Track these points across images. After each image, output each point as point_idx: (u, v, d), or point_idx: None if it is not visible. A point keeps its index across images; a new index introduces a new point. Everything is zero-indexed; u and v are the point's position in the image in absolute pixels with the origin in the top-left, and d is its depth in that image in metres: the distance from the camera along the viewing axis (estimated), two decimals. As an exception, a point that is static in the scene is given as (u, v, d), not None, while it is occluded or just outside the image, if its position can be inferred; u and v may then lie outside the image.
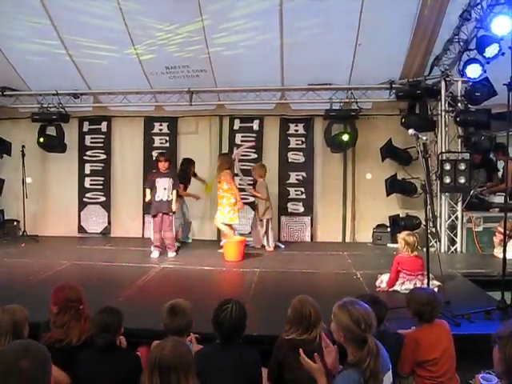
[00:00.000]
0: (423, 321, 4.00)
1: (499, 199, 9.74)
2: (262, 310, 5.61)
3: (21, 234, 10.90)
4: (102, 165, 11.42)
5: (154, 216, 9.00)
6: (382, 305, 3.96)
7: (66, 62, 9.81)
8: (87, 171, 11.47)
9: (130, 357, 3.81)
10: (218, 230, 10.34)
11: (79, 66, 10.06)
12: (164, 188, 8.94)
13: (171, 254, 8.98)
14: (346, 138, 10.01)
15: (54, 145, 10.87)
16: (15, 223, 11.10)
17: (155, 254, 8.94)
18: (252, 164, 10.63)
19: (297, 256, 9.13)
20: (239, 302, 3.79)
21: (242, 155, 10.79)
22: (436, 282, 6.24)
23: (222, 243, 9.19)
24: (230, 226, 9.29)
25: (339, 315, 3.14)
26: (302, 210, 10.93)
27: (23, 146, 10.62)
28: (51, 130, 10.80)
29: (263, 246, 9.73)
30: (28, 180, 10.78)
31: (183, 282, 7.46)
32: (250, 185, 10.18)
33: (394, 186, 10.03)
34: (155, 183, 8.97)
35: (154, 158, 9.41)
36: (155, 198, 8.92)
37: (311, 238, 10.93)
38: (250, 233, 10.30)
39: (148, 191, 9.07)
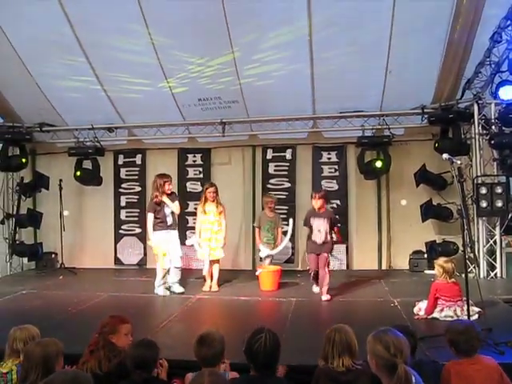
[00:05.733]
0: (460, 353, 3.78)
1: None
2: (299, 339, 5.57)
3: (59, 266, 11.06)
4: (137, 197, 11.56)
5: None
6: (409, 334, 3.73)
7: (100, 97, 10.10)
8: (123, 203, 11.62)
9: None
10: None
11: (113, 101, 10.32)
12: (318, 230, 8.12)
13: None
14: (379, 164, 9.98)
15: (90, 178, 11.09)
16: (53, 256, 11.27)
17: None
18: (285, 193, 10.67)
19: (333, 284, 8.99)
20: (272, 331, 3.72)
21: (275, 184, 10.86)
22: (476, 309, 6.11)
23: (257, 273, 9.14)
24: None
25: (371, 343, 3.15)
26: (336, 238, 10.84)
27: (60, 180, 10.87)
28: (87, 164, 11.03)
29: None
30: (65, 213, 10.98)
31: (219, 312, 7.49)
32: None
33: (429, 211, 9.91)
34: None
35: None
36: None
37: (347, 266, 10.80)
38: (285, 262, 10.27)
39: None
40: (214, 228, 8.68)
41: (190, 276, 9.42)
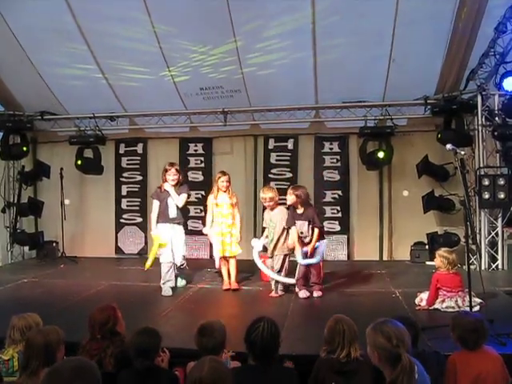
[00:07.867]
0: (466, 348, 3.75)
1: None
2: (300, 329, 5.56)
3: (59, 255, 11.05)
4: (139, 186, 11.53)
5: None
6: (410, 325, 3.68)
7: (102, 86, 10.07)
8: (124, 193, 11.60)
9: (169, 377, 3.78)
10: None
11: (115, 89, 10.30)
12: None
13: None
14: (381, 155, 9.95)
15: (91, 167, 11.07)
16: (54, 244, 11.26)
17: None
18: (287, 183, 10.57)
19: (334, 275, 8.99)
20: (271, 320, 3.72)
21: (276, 174, 10.81)
22: (478, 300, 6.10)
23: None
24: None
25: (371, 335, 3.11)
26: (338, 228, 10.81)
27: (61, 169, 10.82)
28: (88, 153, 11.02)
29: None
30: (66, 202, 10.96)
31: (220, 301, 7.47)
32: None
33: (431, 202, 9.89)
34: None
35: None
36: None
37: (348, 257, 10.79)
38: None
39: None
40: (228, 221, 7.92)
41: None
